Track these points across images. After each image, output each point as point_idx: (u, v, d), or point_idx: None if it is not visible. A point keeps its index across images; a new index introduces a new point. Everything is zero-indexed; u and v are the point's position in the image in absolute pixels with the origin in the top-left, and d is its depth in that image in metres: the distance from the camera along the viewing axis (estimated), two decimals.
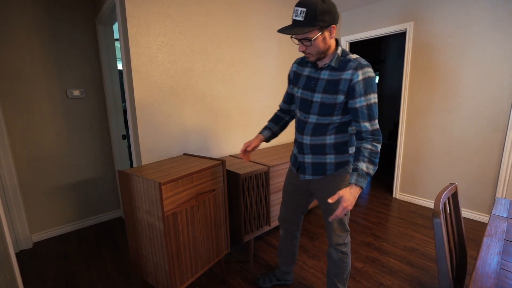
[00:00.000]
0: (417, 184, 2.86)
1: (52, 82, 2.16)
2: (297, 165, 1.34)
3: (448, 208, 1.04)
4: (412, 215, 2.63)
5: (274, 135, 1.45)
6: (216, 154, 2.21)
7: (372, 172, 1.07)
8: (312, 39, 1.04)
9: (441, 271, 0.76)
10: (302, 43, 1.09)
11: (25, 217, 2.13)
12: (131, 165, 2.69)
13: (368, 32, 3.00)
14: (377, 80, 7.76)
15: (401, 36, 5.17)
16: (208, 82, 2.06)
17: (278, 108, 1.49)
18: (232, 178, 1.75)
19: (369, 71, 1.08)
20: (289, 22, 2.60)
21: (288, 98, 1.43)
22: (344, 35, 3.23)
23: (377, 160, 1.09)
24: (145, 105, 1.73)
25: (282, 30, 1.05)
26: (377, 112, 1.11)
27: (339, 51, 1.13)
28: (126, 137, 2.55)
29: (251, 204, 1.80)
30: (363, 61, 1.10)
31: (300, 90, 1.25)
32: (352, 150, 1.24)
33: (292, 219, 1.50)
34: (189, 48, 1.91)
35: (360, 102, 1.09)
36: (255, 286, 1.70)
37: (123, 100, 2.98)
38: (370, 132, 1.10)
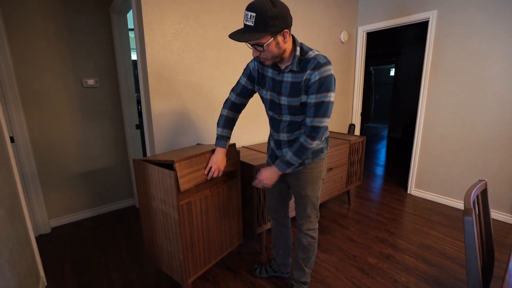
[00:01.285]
0: (434, 181, 2.77)
1: (67, 71, 2.18)
2: (274, 158, 1.38)
3: (477, 206, 0.99)
4: (428, 212, 2.55)
5: (228, 140, 1.38)
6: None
7: (292, 162, 1.16)
8: (264, 44, 1.02)
9: (471, 272, 0.72)
10: (256, 48, 1.06)
11: (44, 203, 2.19)
12: (144, 155, 2.72)
13: (387, 22, 2.87)
14: (392, 73, 7.53)
15: (420, 26, 4.95)
16: (222, 72, 2.02)
17: (226, 102, 1.38)
18: (246, 170, 1.73)
19: (327, 70, 1.05)
20: (308, 5, 2.52)
21: (245, 92, 1.32)
22: (361, 25, 3.12)
23: (303, 155, 1.15)
24: (159, 95, 1.72)
25: (233, 35, 1.01)
26: (327, 111, 1.09)
27: (297, 52, 1.09)
28: (139, 126, 2.56)
29: (264, 196, 1.78)
30: (321, 59, 1.07)
31: (268, 93, 1.23)
32: (324, 137, 1.22)
33: (278, 208, 1.51)
34: (203, 36, 1.87)
35: (311, 99, 1.10)
36: (252, 275, 1.71)
37: (137, 90, 2.99)
38: (309, 127, 1.11)
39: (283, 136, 1.26)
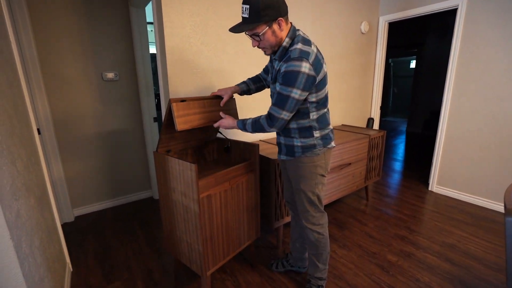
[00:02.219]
0: (458, 178, 2.65)
1: (89, 65, 2.23)
2: (277, 145, 1.42)
3: None
4: (450, 209, 2.46)
5: (249, 91, 1.50)
6: (245, 139, 2.18)
7: (247, 127, 1.25)
8: (260, 34, 1.09)
9: (511, 275, 0.68)
10: (254, 38, 1.13)
11: (67, 192, 2.28)
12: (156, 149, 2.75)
13: (411, 10, 2.74)
14: (413, 65, 7.22)
15: (444, 15, 4.70)
16: (240, 64, 2.00)
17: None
18: (264, 163, 1.71)
19: (293, 65, 1.05)
20: None
21: (266, 70, 1.46)
22: (382, 14, 2.99)
23: (256, 128, 1.22)
24: (177, 88, 1.72)
25: (231, 28, 1.11)
26: (285, 104, 1.11)
27: (285, 42, 1.14)
28: (156, 119, 2.59)
29: (282, 190, 1.76)
30: (295, 53, 1.08)
31: (270, 80, 1.31)
32: (317, 134, 1.25)
33: (293, 198, 1.50)
34: (222, 28, 1.85)
35: (275, 88, 1.17)
36: (269, 269, 1.71)
37: (155, 84, 3.02)
38: (268, 113, 1.18)
39: None
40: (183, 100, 1.27)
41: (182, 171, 1.22)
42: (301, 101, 1.12)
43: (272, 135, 2.34)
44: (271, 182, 1.69)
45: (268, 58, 2.15)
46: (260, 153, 1.79)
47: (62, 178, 2.22)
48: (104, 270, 1.72)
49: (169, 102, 1.23)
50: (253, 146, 1.50)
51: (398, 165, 3.76)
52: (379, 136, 2.47)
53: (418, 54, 5.39)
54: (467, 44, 2.41)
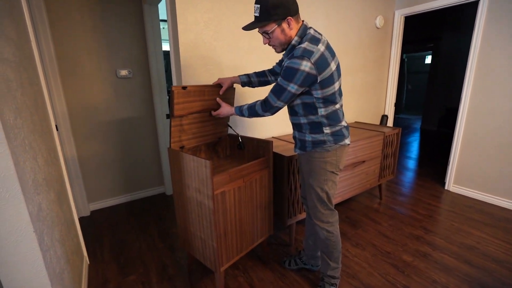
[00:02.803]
0: (476, 177, 2.56)
1: (103, 62, 2.26)
2: (294, 140, 1.45)
3: None
4: (468, 209, 2.38)
5: (250, 83, 1.52)
6: (258, 136, 2.17)
7: (242, 111, 1.32)
8: (269, 32, 1.15)
9: None
10: (264, 36, 1.19)
11: (84, 187, 2.33)
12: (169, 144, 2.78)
13: (428, 4, 2.64)
14: (429, 60, 7.01)
15: (464, 8, 4.53)
16: (253, 61, 1.98)
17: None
18: (277, 160, 1.70)
19: (294, 63, 1.09)
20: None
21: (280, 63, 1.47)
22: (398, 8, 2.90)
23: (251, 112, 1.29)
24: (191, 84, 1.73)
25: (245, 27, 1.16)
26: (281, 95, 1.16)
27: (294, 41, 1.17)
28: (169, 116, 2.61)
29: (295, 188, 1.75)
30: (298, 52, 1.10)
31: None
32: (327, 130, 1.26)
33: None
34: (235, 24, 1.83)
35: (277, 79, 1.27)
36: (281, 266, 1.71)
37: (167, 81, 3.05)
38: (265, 97, 1.23)
39: (290, 118, 1.37)
40: (184, 88, 1.33)
41: (197, 168, 1.22)
42: (297, 94, 1.18)
43: (287, 131, 2.32)
44: (284, 179, 1.68)
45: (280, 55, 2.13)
46: (274, 150, 1.78)
47: (78, 173, 2.28)
48: (120, 263, 1.76)
49: (171, 89, 1.28)
50: (267, 143, 1.49)
51: (412, 164, 3.67)
52: (394, 134, 2.41)
53: (434, 49, 5.22)
54: (489, 38, 2.31)
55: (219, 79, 1.49)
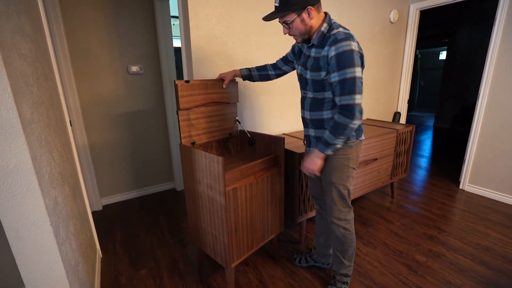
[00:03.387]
0: (493, 176, 2.48)
1: (115, 58, 2.28)
2: (305, 139, 1.38)
3: None
4: (484, 210, 2.31)
5: (250, 77, 1.51)
6: (269, 132, 2.16)
7: (330, 141, 1.14)
8: (289, 22, 1.11)
9: None
10: (284, 26, 1.16)
11: (96, 182, 2.37)
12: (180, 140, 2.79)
13: None
14: (444, 56, 6.81)
15: (481, 1, 4.36)
16: (264, 56, 1.96)
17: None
18: (288, 157, 1.68)
19: (343, 45, 1.04)
20: None
21: (286, 60, 1.45)
22: (413, 2, 2.81)
23: (340, 132, 1.11)
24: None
25: (265, 17, 1.14)
26: (354, 87, 1.06)
27: (323, 28, 1.13)
28: None
29: (306, 185, 1.73)
30: (340, 35, 1.06)
31: (299, 67, 1.29)
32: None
33: (321, 193, 1.46)
34: (246, 20, 1.81)
35: (334, 78, 1.09)
36: (291, 264, 1.70)
37: (178, 77, 3.05)
38: (340, 106, 1.11)
39: (307, 114, 1.29)
40: (187, 81, 1.35)
41: (209, 164, 1.22)
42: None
43: (297, 128, 2.30)
44: (295, 176, 1.67)
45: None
46: (285, 146, 1.76)
47: (91, 168, 2.32)
48: (131, 257, 1.78)
49: (175, 83, 1.31)
50: (279, 140, 1.47)
51: (425, 162, 3.59)
52: (407, 131, 2.36)
53: (449, 45, 5.06)
54: (510, 33, 2.21)
55: (220, 74, 1.51)
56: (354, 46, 1.04)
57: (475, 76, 4.64)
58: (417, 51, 6.68)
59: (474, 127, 2.54)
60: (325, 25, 1.13)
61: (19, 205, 0.80)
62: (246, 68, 1.51)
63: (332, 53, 1.06)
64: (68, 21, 2.03)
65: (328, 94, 1.18)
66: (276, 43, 2.00)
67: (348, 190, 1.31)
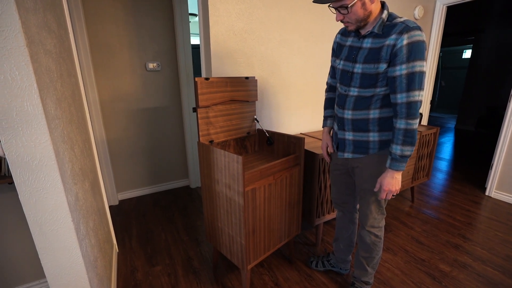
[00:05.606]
0: None
1: (133, 55, 2.30)
2: (336, 142, 1.27)
3: None
4: None
5: (333, 121, 1.37)
6: (286, 131, 2.11)
7: (408, 153, 1.02)
8: (349, 5, 0.96)
9: None
10: (339, 11, 1.01)
11: (113, 177, 2.41)
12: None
13: None
14: (468, 54, 6.51)
15: None
16: (284, 54, 1.92)
17: (326, 86, 1.41)
18: (308, 158, 1.64)
19: (417, 35, 0.93)
20: None
21: (334, 72, 1.32)
22: None
23: (414, 139, 1.00)
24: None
25: (318, 0, 0.99)
26: (422, 83, 0.97)
27: (384, 15, 1.01)
28: (195, 110, 2.62)
29: (325, 187, 1.68)
30: (411, 23, 0.95)
31: (341, 62, 1.16)
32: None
33: (346, 200, 1.40)
34: (266, 16, 1.77)
35: (400, 70, 0.97)
36: (308, 267, 1.65)
37: (195, 75, 3.05)
38: (405, 104, 0.98)
39: (348, 114, 1.16)
40: (207, 79, 1.33)
41: (228, 163, 1.19)
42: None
43: (315, 127, 2.24)
44: (314, 177, 1.62)
45: (314, 52, 2.04)
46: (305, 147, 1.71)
47: (109, 163, 2.35)
48: (147, 253, 1.79)
49: (195, 80, 1.29)
50: (298, 140, 1.43)
51: (447, 166, 3.44)
52: (431, 133, 2.25)
53: (475, 43, 4.82)
54: None
55: (322, 147, 1.39)
56: (424, 37, 0.94)
57: (504, 76, 4.39)
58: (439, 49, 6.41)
59: (504, 130, 2.40)
60: (385, 12, 1.01)
61: (42, 200, 0.80)
62: (326, 120, 1.37)
63: (404, 42, 0.94)
64: (89, 17, 2.06)
65: (379, 91, 1.06)
66: (296, 40, 1.95)
67: (386, 198, 1.21)
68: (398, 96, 0.99)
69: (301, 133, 2.15)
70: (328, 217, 1.78)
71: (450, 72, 7.15)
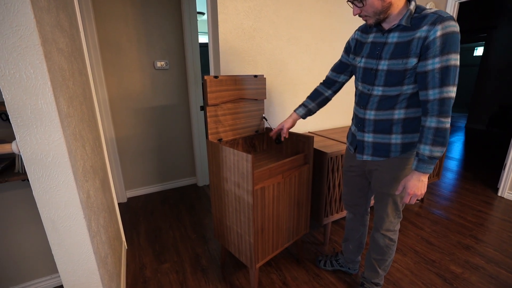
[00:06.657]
0: None
1: (142, 54, 2.31)
2: (355, 144, 1.21)
3: None
4: None
5: (309, 112, 1.39)
6: (294, 130, 2.10)
7: (438, 154, 0.93)
8: None
9: None
10: (356, 5, 0.96)
11: (122, 175, 2.44)
12: (207, 136, 2.80)
13: None
14: (480, 52, 6.36)
15: None
16: (292, 52, 1.90)
17: (326, 76, 1.38)
18: (317, 157, 1.62)
19: (452, 25, 0.86)
20: None
21: (340, 67, 1.28)
22: None
23: (446, 139, 0.92)
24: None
25: None
26: (456, 78, 0.89)
27: (411, 6, 0.93)
28: (203, 108, 2.63)
29: (333, 186, 1.66)
30: (444, 13, 0.88)
31: (363, 60, 1.09)
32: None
33: (358, 202, 1.37)
34: (275, 14, 1.76)
35: (433, 64, 0.89)
36: (316, 266, 1.64)
37: (203, 73, 3.06)
38: (438, 101, 0.90)
39: (370, 114, 1.08)
40: (216, 77, 1.33)
41: (237, 162, 1.19)
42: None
43: (324, 126, 2.22)
44: (323, 177, 1.60)
45: (321, 49, 2.02)
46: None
47: (118, 161, 2.38)
48: (155, 250, 1.81)
49: (204, 78, 1.29)
50: (308, 138, 1.42)
51: (457, 166, 3.37)
52: None
53: (487, 40, 4.70)
54: None
55: (278, 125, 1.40)
56: (458, 28, 0.87)
57: None
58: None
59: None
60: (413, 3, 0.94)
61: (55, 197, 0.81)
62: (300, 106, 1.38)
63: (438, 33, 0.86)
64: (99, 16, 2.08)
65: (406, 89, 0.98)
66: (306, 38, 1.93)
67: (402, 199, 1.17)
68: (430, 92, 0.91)
69: (309, 132, 2.14)
70: (337, 216, 1.77)
71: (461, 69, 7.01)
